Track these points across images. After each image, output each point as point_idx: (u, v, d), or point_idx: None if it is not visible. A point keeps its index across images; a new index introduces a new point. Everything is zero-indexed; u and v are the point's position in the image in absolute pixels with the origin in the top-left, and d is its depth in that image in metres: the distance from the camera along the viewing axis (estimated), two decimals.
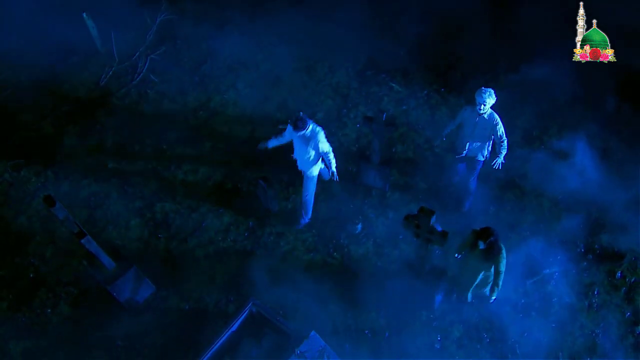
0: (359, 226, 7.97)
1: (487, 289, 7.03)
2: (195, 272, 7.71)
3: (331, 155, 7.47)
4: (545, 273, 7.69)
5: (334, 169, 7.56)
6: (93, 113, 9.65)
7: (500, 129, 7.36)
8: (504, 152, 7.52)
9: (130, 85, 9.93)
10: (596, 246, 7.96)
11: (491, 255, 6.53)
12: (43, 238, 8.42)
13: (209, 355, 6.72)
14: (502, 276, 6.71)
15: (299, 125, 7.16)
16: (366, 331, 7.30)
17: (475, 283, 6.96)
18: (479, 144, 7.59)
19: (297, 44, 10.24)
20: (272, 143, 7.79)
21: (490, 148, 7.68)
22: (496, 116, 7.34)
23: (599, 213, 8.15)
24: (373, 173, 8.27)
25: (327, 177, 7.99)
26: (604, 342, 7.26)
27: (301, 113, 7.27)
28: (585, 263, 7.83)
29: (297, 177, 8.12)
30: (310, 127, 7.24)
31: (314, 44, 10.21)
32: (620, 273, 7.78)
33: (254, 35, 10.46)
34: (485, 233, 6.37)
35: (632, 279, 7.74)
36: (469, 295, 7.19)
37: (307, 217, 8.13)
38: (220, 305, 7.44)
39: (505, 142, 7.47)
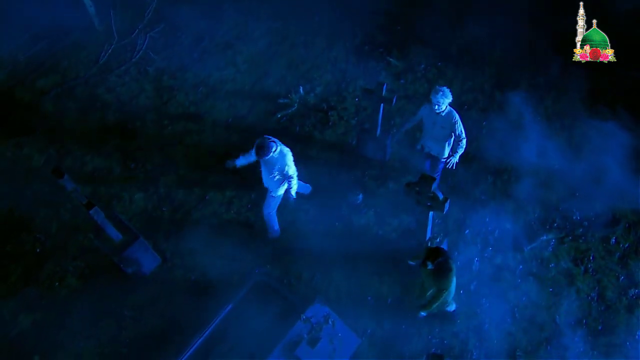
0: (360, 197, 8.11)
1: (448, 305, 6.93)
2: (200, 243, 7.83)
3: (294, 181, 7.20)
4: (543, 239, 7.88)
5: (293, 194, 7.31)
6: (93, 90, 9.72)
7: (459, 127, 7.28)
8: (460, 151, 7.47)
9: (129, 62, 9.99)
10: (591, 214, 8.15)
11: (440, 275, 6.30)
12: (48, 214, 8.52)
13: (215, 324, 6.92)
14: (445, 294, 6.47)
15: (260, 153, 6.82)
16: (369, 297, 7.48)
17: (426, 297, 6.69)
18: (439, 141, 7.51)
19: (295, 19, 10.31)
20: (240, 162, 7.51)
21: (450, 148, 7.58)
22: (455, 114, 7.26)
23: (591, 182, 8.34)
24: (372, 145, 8.40)
25: (291, 198, 7.45)
26: (599, 304, 7.47)
27: (265, 139, 6.86)
28: (581, 230, 8.01)
29: (298, 147, 8.27)
30: (278, 149, 6.92)
31: (311, 19, 10.29)
32: (615, 239, 7.97)
33: (252, 12, 10.51)
34: (434, 254, 6.16)
35: (626, 245, 7.93)
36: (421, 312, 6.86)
37: (274, 232, 7.87)
38: (225, 275, 7.57)
39: (464, 141, 7.39)
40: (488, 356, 7.07)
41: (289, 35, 10.16)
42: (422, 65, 9.74)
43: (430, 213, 6.94)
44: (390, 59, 9.78)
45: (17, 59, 10.29)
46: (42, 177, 8.87)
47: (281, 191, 7.43)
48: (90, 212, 6.64)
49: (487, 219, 8.03)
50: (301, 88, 9.28)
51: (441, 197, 6.61)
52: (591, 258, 7.83)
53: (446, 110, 7.21)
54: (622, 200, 8.17)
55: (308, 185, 8.07)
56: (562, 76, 9.35)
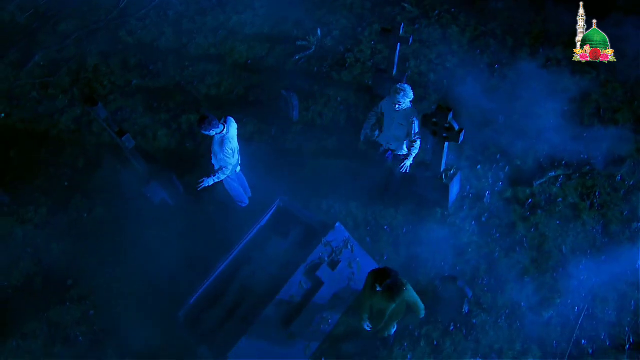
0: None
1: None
2: None
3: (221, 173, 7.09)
4: (551, 175, 8.20)
5: (209, 181, 7.09)
6: (114, 34, 9.95)
7: (415, 127, 7.15)
8: (414, 152, 7.29)
9: (149, 7, 10.20)
10: (598, 153, 8.45)
11: (393, 294, 6.05)
12: (74, 150, 8.87)
13: (239, 249, 7.19)
14: (402, 312, 6.40)
15: (200, 127, 6.76)
16: (385, 227, 7.85)
17: (385, 320, 6.46)
18: (397, 138, 7.39)
19: None
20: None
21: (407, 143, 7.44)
22: (415, 113, 7.16)
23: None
24: (388, 85, 8.65)
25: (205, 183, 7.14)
26: (603, 236, 7.82)
27: (207, 114, 6.78)
28: (588, 167, 8.31)
29: (316, 87, 8.53)
30: (223, 132, 6.88)
31: None
32: (620, 177, 8.28)
33: None
34: (380, 277, 5.95)
35: (631, 182, 8.24)
36: (387, 333, 6.84)
37: (243, 202, 7.92)
38: (249, 205, 7.93)
39: (418, 142, 7.23)
40: (498, 282, 7.46)
41: None
42: (436, 12, 9.93)
43: (446, 144, 7.25)
44: (405, 5, 9.97)
45: (38, 3, 10.49)
46: (67, 117, 9.20)
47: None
48: (123, 138, 6.96)
49: (498, 156, 8.35)
50: (319, 30, 9.51)
51: (457, 127, 6.92)
52: (597, 194, 8.14)
53: (407, 108, 7.10)
54: (629, 140, 8.47)
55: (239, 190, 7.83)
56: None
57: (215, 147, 7.08)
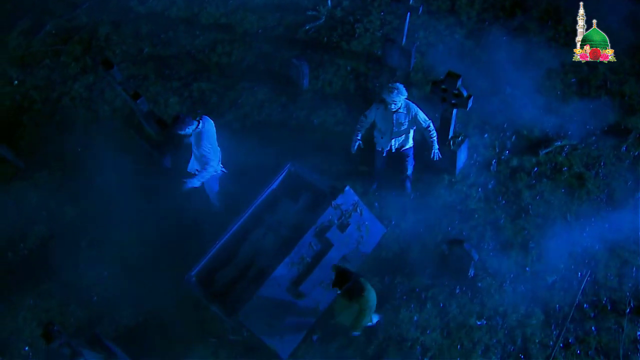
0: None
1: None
2: (234, 142, 8.28)
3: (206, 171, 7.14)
4: (557, 145, 8.32)
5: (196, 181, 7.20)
6: (126, 3, 10.03)
7: (421, 115, 7.02)
8: (434, 137, 7.19)
9: None
10: (604, 124, 8.55)
11: (354, 296, 6.18)
12: (87, 115, 9.01)
13: (250, 211, 7.33)
14: (366, 313, 6.39)
15: (175, 127, 6.81)
16: (393, 192, 8.00)
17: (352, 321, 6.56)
18: (402, 137, 7.29)
19: None
20: None
21: (414, 133, 7.40)
22: (413, 106, 6.98)
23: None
24: (397, 54, 8.76)
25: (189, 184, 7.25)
26: (607, 205, 7.96)
27: (180, 114, 6.89)
28: (594, 138, 8.43)
29: (326, 57, 8.62)
30: (200, 127, 6.94)
31: None
32: (625, 147, 8.39)
33: None
34: (340, 280, 6.08)
35: (636, 152, 8.35)
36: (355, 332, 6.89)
37: (219, 205, 7.97)
38: (259, 169, 8.07)
39: (432, 126, 7.10)
40: (504, 247, 7.62)
41: None
42: None
43: (454, 111, 7.37)
44: None
45: None
46: (80, 84, 9.33)
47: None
48: (137, 101, 7.10)
49: (505, 125, 8.47)
50: (329, 1, 9.57)
51: (465, 94, 7.04)
52: (602, 164, 8.25)
53: (403, 105, 6.94)
54: (635, 112, 8.58)
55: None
56: None
57: (194, 147, 7.13)
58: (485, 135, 8.39)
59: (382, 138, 7.36)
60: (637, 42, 9.00)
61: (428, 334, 7.17)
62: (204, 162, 7.19)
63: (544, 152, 8.27)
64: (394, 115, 6.99)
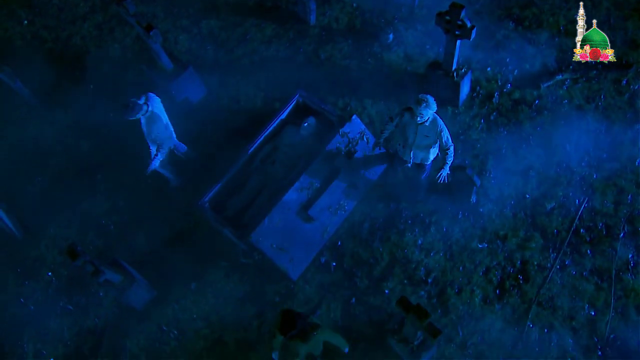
0: (390, 36, 8.70)
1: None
2: (243, 77, 8.51)
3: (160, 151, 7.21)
4: (558, 79, 8.50)
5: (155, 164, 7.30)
6: None
7: (445, 135, 6.73)
8: (449, 161, 6.89)
9: None
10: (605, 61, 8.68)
11: (307, 337, 5.73)
12: (98, 54, 9.19)
13: (260, 140, 7.59)
14: (339, 340, 6.28)
15: (125, 115, 6.78)
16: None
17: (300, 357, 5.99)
18: (422, 149, 6.99)
19: None
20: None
21: (437, 151, 7.08)
22: (440, 122, 6.68)
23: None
24: None
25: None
26: (606, 136, 8.19)
27: (126, 102, 6.81)
28: (595, 72, 8.60)
29: None
30: (149, 111, 6.89)
31: None
32: (626, 81, 8.57)
33: None
34: (285, 326, 5.59)
35: (636, 86, 8.53)
36: None
37: (174, 179, 8.04)
38: (268, 102, 8.30)
39: (451, 149, 6.79)
40: (505, 174, 7.90)
41: None
42: None
43: (458, 42, 7.54)
44: None
45: None
46: (90, 23, 9.47)
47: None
48: (151, 33, 7.27)
49: (508, 59, 8.64)
50: None
51: (469, 24, 7.19)
52: (602, 97, 8.45)
53: (430, 119, 6.64)
54: (637, 47, 8.72)
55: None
56: None
57: (144, 129, 7.14)
58: (488, 69, 8.57)
59: (403, 147, 7.10)
60: None
61: (432, 256, 7.52)
62: (158, 144, 7.26)
63: (545, 85, 8.46)
64: (419, 127, 6.73)
